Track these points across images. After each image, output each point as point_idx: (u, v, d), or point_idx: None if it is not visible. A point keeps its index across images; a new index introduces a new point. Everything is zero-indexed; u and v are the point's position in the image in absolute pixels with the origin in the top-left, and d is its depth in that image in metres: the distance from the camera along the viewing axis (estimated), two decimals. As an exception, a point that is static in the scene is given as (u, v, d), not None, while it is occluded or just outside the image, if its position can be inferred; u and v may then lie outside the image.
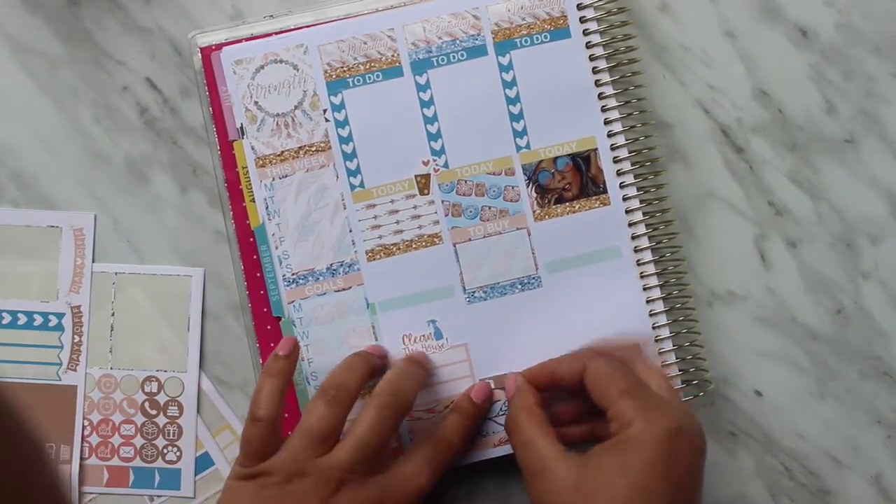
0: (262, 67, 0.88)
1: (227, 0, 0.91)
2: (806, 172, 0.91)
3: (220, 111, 0.89)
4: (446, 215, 0.88)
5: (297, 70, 0.88)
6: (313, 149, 0.88)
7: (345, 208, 0.88)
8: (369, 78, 0.88)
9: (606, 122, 0.88)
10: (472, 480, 0.91)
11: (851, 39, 0.91)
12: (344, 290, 0.89)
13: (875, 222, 0.91)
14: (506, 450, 0.89)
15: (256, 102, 0.88)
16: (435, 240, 0.89)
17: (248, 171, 0.88)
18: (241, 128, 0.88)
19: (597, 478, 0.78)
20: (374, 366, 0.86)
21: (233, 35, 0.89)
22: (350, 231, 0.89)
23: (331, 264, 0.89)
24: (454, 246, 0.89)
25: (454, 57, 0.88)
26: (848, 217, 0.91)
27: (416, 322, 0.89)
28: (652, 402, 0.80)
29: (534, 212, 0.88)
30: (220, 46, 0.89)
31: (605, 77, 0.88)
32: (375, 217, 0.88)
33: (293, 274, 0.89)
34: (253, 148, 0.88)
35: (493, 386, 0.89)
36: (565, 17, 0.88)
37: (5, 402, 0.41)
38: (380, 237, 0.88)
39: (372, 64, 0.88)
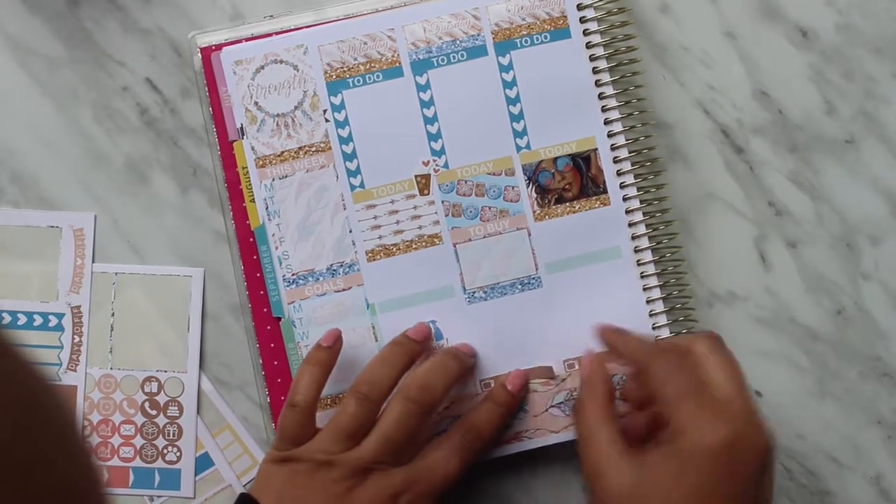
0: (262, 68, 0.88)
1: (227, 0, 0.91)
2: (806, 173, 0.91)
3: (220, 111, 0.89)
4: (446, 215, 0.88)
5: (297, 70, 0.88)
6: (313, 149, 0.88)
7: (345, 209, 0.88)
8: (369, 78, 0.88)
9: (606, 123, 0.88)
10: (472, 480, 0.91)
11: (851, 39, 0.91)
12: (344, 290, 0.89)
13: (875, 222, 0.91)
14: (506, 450, 0.89)
15: (256, 103, 0.88)
16: (435, 240, 0.89)
17: (248, 172, 0.88)
18: (241, 128, 0.88)
19: (652, 483, 0.76)
20: (413, 355, 0.86)
21: (233, 35, 0.89)
22: (350, 231, 0.89)
23: (331, 265, 0.89)
24: (454, 246, 0.89)
25: (454, 57, 0.88)
26: (848, 217, 0.91)
27: (416, 322, 0.89)
28: (710, 407, 0.77)
29: (534, 212, 0.88)
30: (220, 47, 0.89)
31: (606, 77, 0.88)
32: (375, 217, 0.88)
33: (293, 274, 0.89)
34: (253, 148, 0.88)
35: (474, 390, 0.89)
36: (565, 17, 0.88)
37: (35, 372, 0.41)
38: (380, 237, 0.88)
39: (372, 64, 0.88)
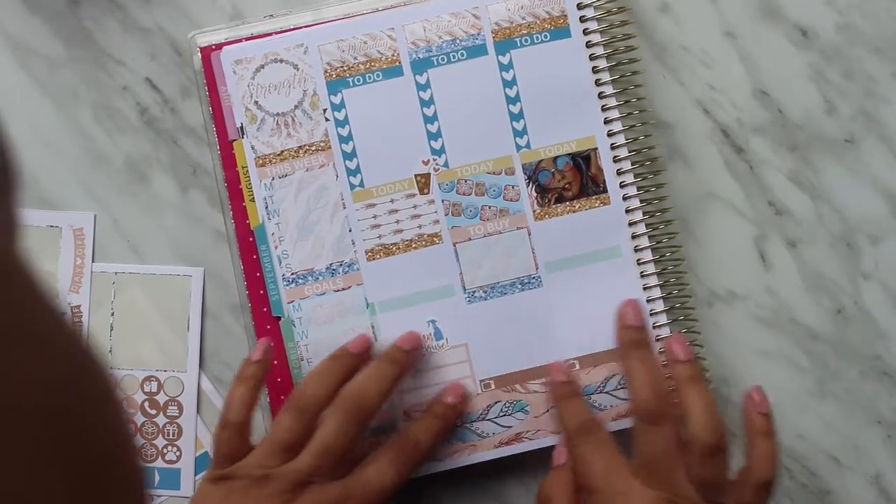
0: (262, 67, 0.88)
1: (227, 0, 0.91)
2: (806, 172, 0.91)
3: (219, 111, 0.89)
4: (446, 215, 0.88)
5: (298, 69, 0.88)
6: (313, 148, 0.88)
7: (344, 208, 0.88)
8: (369, 77, 0.88)
9: (606, 122, 0.88)
10: (472, 480, 0.91)
11: (851, 39, 0.91)
12: (343, 289, 0.89)
13: (875, 222, 0.91)
14: (506, 451, 0.89)
15: (256, 102, 0.88)
16: (435, 239, 0.88)
17: (247, 171, 0.88)
18: (241, 127, 0.88)
19: None
20: (350, 368, 0.85)
21: (233, 35, 0.89)
22: (350, 231, 0.88)
23: (330, 264, 0.89)
24: (454, 245, 0.89)
25: (454, 56, 0.88)
26: (848, 217, 0.91)
27: (415, 322, 0.89)
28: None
29: (534, 211, 0.88)
30: (219, 46, 0.88)
31: (605, 77, 0.88)
32: (375, 217, 0.88)
33: (292, 274, 0.89)
34: (253, 147, 0.88)
35: (474, 390, 0.89)
36: (565, 16, 0.88)
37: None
38: (379, 237, 0.88)
39: (372, 63, 0.88)
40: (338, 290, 0.89)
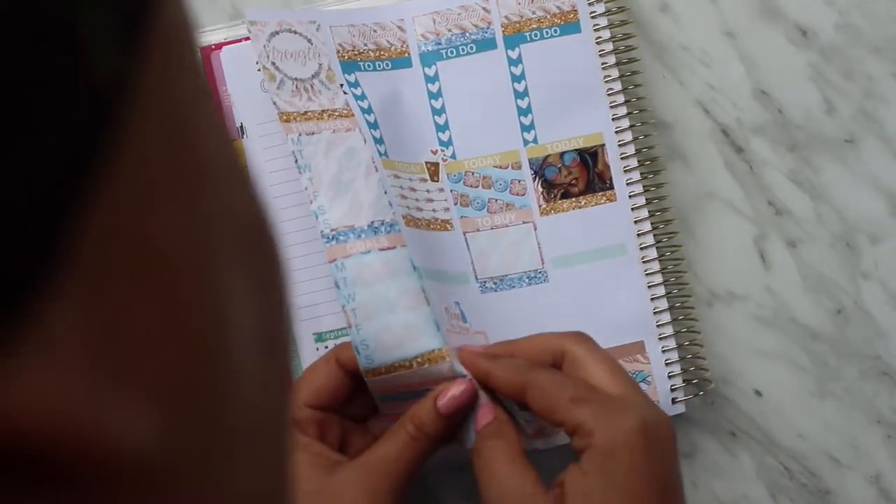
0: (277, 33, 0.84)
1: (227, 0, 0.91)
2: (806, 172, 0.91)
3: (220, 111, 0.88)
4: (455, 204, 0.87)
5: (311, 44, 0.85)
6: (336, 114, 0.84)
7: (377, 170, 0.83)
8: (379, 65, 0.87)
9: (615, 119, 0.88)
10: (472, 479, 0.90)
11: (851, 39, 0.91)
12: (388, 248, 0.80)
13: (875, 222, 0.92)
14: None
15: (274, 63, 0.83)
16: (447, 226, 0.87)
17: (248, 171, 0.88)
18: (241, 127, 0.87)
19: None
20: None
21: (232, 35, 0.88)
22: (385, 192, 0.82)
23: (371, 222, 0.81)
24: (464, 235, 0.88)
25: (463, 49, 0.88)
26: (848, 217, 0.92)
27: (446, 298, 0.84)
28: (607, 403, 0.74)
29: (540, 206, 0.88)
30: (219, 46, 0.88)
31: (614, 73, 0.88)
32: (402, 188, 0.86)
33: (332, 230, 0.80)
34: (275, 103, 0.82)
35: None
36: (575, 11, 0.88)
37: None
38: (408, 208, 0.85)
39: (381, 52, 0.87)
40: (383, 249, 0.80)
